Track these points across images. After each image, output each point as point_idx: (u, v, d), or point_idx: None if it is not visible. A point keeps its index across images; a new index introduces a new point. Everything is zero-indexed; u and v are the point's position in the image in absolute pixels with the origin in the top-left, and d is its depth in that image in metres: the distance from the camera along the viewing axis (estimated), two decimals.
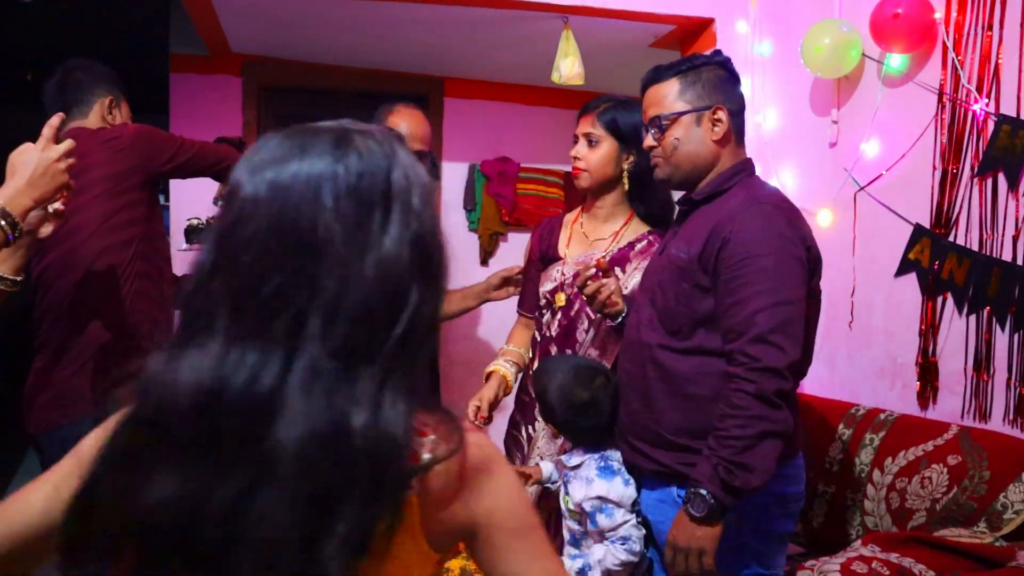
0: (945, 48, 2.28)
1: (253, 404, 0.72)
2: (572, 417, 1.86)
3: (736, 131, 1.77)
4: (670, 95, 1.75)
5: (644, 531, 1.82)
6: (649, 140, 1.80)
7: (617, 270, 2.14)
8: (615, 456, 1.86)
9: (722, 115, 1.73)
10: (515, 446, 2.34)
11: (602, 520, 1.80)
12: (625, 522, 1.79)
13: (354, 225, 0.75)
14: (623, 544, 1.78)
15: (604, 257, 2.13)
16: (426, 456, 0.78)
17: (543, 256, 2.32)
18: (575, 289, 2.10)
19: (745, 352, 1.55)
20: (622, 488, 1.80)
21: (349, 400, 0.73)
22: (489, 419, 2.19)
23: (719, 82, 1.75)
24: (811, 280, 1.66)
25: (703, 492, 1.54)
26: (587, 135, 2.16)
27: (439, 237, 0.81)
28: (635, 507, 1.82)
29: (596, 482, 1.81)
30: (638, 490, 1.85)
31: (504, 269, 2.55)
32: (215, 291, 0.75)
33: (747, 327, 1.56)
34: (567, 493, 1.90)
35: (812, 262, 1.66)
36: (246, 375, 0.72)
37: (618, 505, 1.79)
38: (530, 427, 2.26)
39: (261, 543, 0.70)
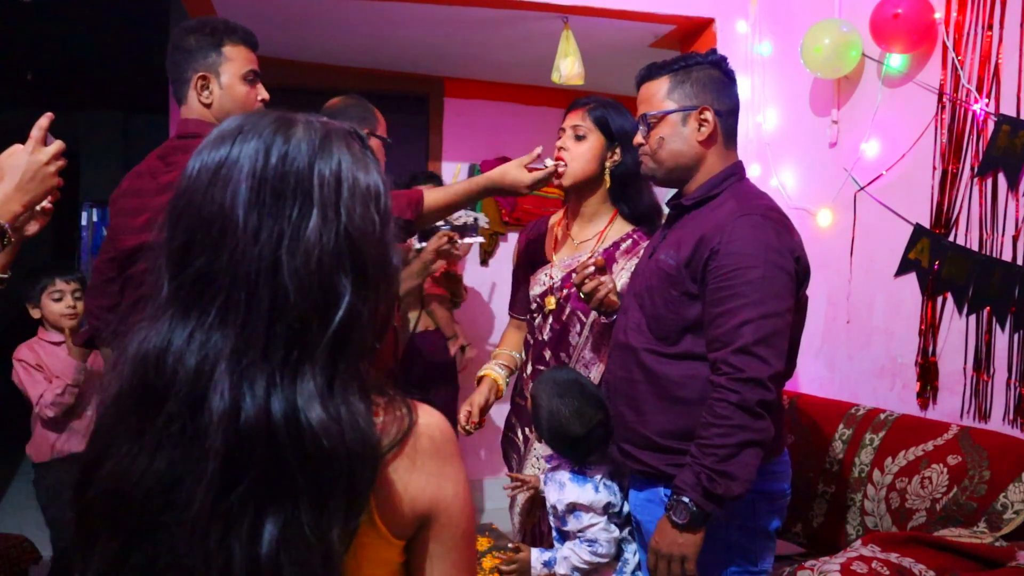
0: (945, 48, 2.28)
1: (186, 381, 0.73)
2: (555, 443, 1.88)
3: (725, 133, 1.77)
4: (659, 93, 1.76)
5: (616, 534, 1.85)
6: (638, 137, 1.81)
7: None
8: (590, 464, 1.88)
9: (708, 116, 1.73)
10: (511, 448, 2.34)
11: (571, 522, 1.85)
12: (593, 525, 1.83)
13: (269, 212, 0.75)
14: (589, 546, 1.83)
15: (599, 256, 2.14)
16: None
17: (531, 259, 2.32)
18: (569, 289, 2.10)
19: (729, 363, 1.56)
20: (592, 495, 1.83)
21: (295, 395, 0.73)
22: (480, 424, 2.19)
23: (710, 82, 1.75)
24: (799, 291, 1.67)
25: (685, 500, 1.55)
26: (575, 127, 2.16)
27: (378, 240, 0.80)
28: (608, 510, 1.85)
29: (568, 486, 1.85)
30: (627, 490, 1.87)
31: (434, 240, 2.63)
32: (161, 268, 0.78)
33: (732, 338, 1.57)
34: (546, 493, 1.94)
35: (800, 273, 1.67)
36: (178, 352, 0.74)
37: (587, 509, 1.83)
38: (526, 429, 2.26)
39: (190, 523, 0.71)
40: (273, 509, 0.72)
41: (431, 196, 2.13)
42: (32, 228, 1.55)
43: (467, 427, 2.16)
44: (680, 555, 1.57)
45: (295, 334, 0.74)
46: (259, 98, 1.98)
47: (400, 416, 0.80)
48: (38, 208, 1.52)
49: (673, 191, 1.87)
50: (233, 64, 1.93)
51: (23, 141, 1.44)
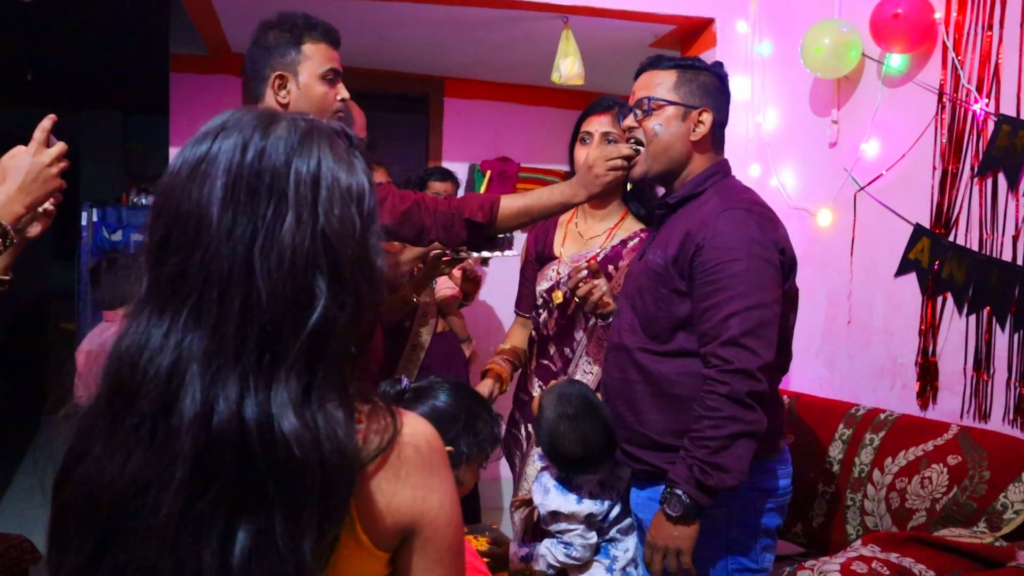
0: (945, 48, 2.28)
1: (158, 381, 0.72)
2: (553, 459, 1.89)
3: (715, 140, 1.79)
4: (665, 83, 1.77)
5: (592, 541, 1.87)
6: (629, 120, 1.80)
7: (611, 268, 2.15)
8: (581, 479, 1.89)
9: (707, 118, 1.74)
10: (515, 445, 2.36)
11: (551, 524, 1.89)
12: (570, 531, 1.86)
13: (243, 210, 0.73)
14: (565, 548, 1.86)
15: (598, 254, 2.16)
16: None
17: (539, 256, 2.33)
18: (568, 290, 2.11)
19: (718, 355, 1.58)
20: (574, 505, 1.85)
21: (270, 401, 0.71)
22: None
23: (714, 90, 1.77)
24: (785, 282, 1.69)
25: (679, 492, 1.56)
26: (606, 135, 2.16)
27: (358, 242, 0.77)
28: (591, 519, 1.86)
29: (552, 493, 1.87)
30: (627, 489, 1.88)
31: (429, 265, 2.57)
32: (141, 265, 0.77)
33: (720, 331, 1.58)
34: (532, 491, 1.97)
35: (786, 265, 1.68)
36: (153, 351, 0.72)
37: (567, 518, 1.86)
38: (529, 426, 2.27)
39: (159, 529, 0.70)
40: (245, 518, 0.70)
41: (507, 201, 2.02)
42: (34, 230, 1.55)
43: None
44: (675, 548, 1.58)
45: (268, 337, 0.72)
46: (338, 97, 1.90)
47: (384, 425, 0.78)
48: (40, 210, 1.52)
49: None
50: (312, 63, 1.86)
51: (23, 141, 1.44)
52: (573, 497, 1.86)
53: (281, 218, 0.74)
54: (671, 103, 1.75)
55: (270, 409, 0.71)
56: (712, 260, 1.62)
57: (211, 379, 0.71)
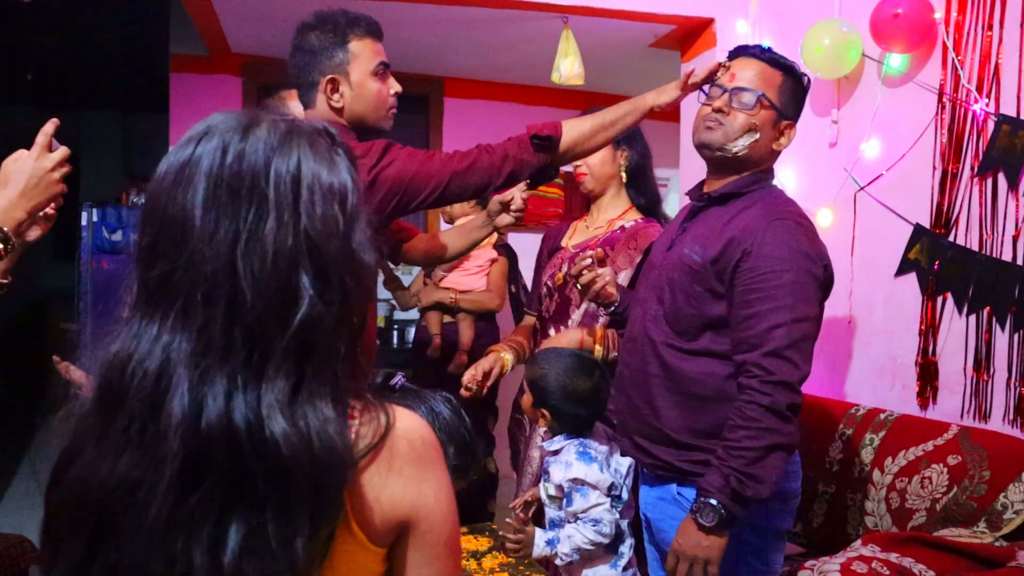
0: (945, 48, 2.28)
1: (147, 382, 0.73)
2: (568, 406, 1.91)
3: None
4: (774, 84, 1.71)
5: (616, 517, 1.88)
6: (721, 101, 1.70)
7: (606, 248, 2.24)
8: (593, 444, 1.92)
9: (790, 133, 1.73)
10: (518, 430, 2.45)
11: (577, 500, 1.87)
12: (598, 505, 1.86)
13: (225, 212, 0.74)
14: (594, 526, 1.85)
15: (598, 238, 2.23)
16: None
17: (549, 252, 2.46)
18: (572, 276, 2.14)
19: (761, 365, 1.56)
20: (598, 474, 1.86)
21: (258, 401, 0.72)
22: (482, 388, 2.22)
23: (801, 102, 1.76)
24: (824, 298, 1.68)
25: (713, 502, 1.54)
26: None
27: (342, 239, 0.78)
28: (611, 491, 1.88)
29: (575, 465, 1.87)
30: (637, 486, 1.88)
31: (499, 195, 2.49)
32: (133, 269, 0.78)
33: (763, 341, 1.57)
34: (547, 479, 1.95)
35: (827, 280, 1.67)
36: (143, 353, 0.73)
37: (593, 487, 1.86)
38: None
39: (149, 528, 0.70)
40: (236, 517, 0.71)
41: (569, 127, 1.91)
42: (34, 234, 1.55)
43: (470, 386, 2.20)
44: (705, 558, 1.56)
45: (254, 336, 0.73)
46: (392, 92, 1.83)
47: (376, 421, 0.78)
48: (40, 214, 1.51)
49: (686, 189, 1.89)
50: (361, 60, 1.78)
51: (23, 141, 1.44)
52: (596, 465, 1.86)
53: (263, 219, 0.74)
54: (773, 107, 1.70)
55: (259, 408, 0.72)
56: (760, 268, 1.60)
57: (199, 379, 0.72)
